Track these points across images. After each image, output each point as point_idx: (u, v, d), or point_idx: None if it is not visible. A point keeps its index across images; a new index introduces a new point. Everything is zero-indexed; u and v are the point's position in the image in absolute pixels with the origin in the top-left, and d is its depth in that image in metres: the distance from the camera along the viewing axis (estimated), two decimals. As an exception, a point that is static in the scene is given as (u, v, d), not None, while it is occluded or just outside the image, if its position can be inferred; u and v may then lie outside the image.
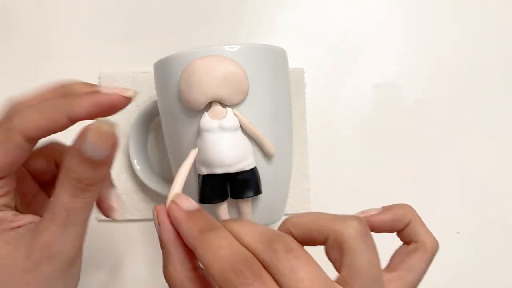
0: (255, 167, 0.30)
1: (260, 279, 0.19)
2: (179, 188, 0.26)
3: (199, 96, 0.29)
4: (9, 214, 0.24)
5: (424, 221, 0.41)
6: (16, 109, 0.24)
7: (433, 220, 0.41)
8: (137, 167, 0.39)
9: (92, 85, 0.25)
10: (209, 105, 0.30)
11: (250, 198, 0.30)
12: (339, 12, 0.44)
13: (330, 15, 0.44)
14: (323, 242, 0.23)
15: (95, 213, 0.39)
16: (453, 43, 0.45)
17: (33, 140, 0.24)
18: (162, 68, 0.32)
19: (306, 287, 0.19)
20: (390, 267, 0.26)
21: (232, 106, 0.30)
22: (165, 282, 0.40)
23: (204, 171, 0.29)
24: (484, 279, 0.42)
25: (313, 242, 0.23)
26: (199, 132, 0.30)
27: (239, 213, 0.31)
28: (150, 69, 0.41)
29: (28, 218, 0.24)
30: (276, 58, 0.32)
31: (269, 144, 0.30)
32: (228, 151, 0.29)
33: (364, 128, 0.43)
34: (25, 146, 0.24)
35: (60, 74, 0.42)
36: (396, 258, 0.27)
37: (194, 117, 0.30)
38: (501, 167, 0.43)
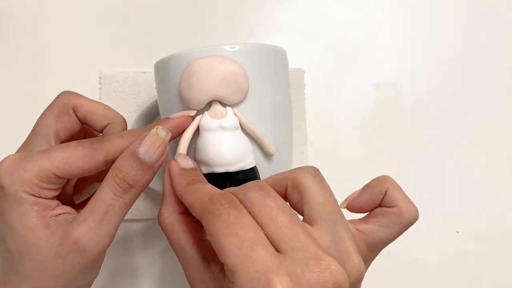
0: (255, 166, 0.30)
1: (235, 207, 0.22)
2: (183, 150, 0.29)
3: (199, 96, 0.29)
4: (54, 203, 0.27)
5: (424, 221, 0.41)
6: (105, 136, 0.28)
7: (433, 220, 0.41)
8: None
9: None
10: (209, 105, 0.29)
11: None
12: (339, 12, 0.44)
13: (330, 15, 0.44)
14: (284, 191, 0.25)
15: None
16: (453, 43, 0.45)
17: (111, 162, 0.27)
18: (163, 68, 0.32)
19: (274, 213, 0.22)
20: (364, 219, 0.28)
21: (232, 105, 0.30)
22: (165, 281, 0.40)
23: (204, 170, 0.29)
24: (484, 278, 0.42)
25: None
26: (199, 132, 0.30)
27: None
28: (151, 69, 0.41)
29: (67, 209, 0.27)
30: (276, 58, 0.32)
31: (269, 143, 0.30)
32: (228, 150, 0.29)
33: (364, 128, 0.43)
34: (102, 166, 0.27)
35: (60, 74, 0.42)
36: (372, 214, 0.28)
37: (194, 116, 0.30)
38: (501, 167, 0.43)
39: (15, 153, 0.28)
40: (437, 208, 0.41)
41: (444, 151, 0.43)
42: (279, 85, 0.32)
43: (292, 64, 0.42)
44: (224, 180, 0.30)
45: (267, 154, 0.31)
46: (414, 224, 0.41)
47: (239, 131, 0.30)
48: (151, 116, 0.39)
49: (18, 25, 0.43)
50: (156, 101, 0.37)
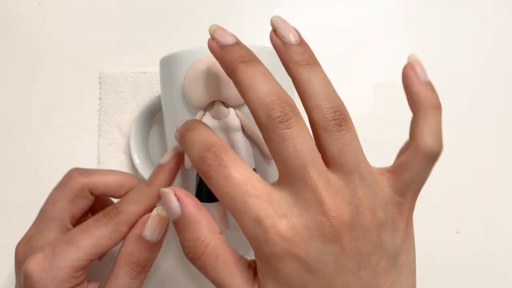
0: (254, 169, 0.30)
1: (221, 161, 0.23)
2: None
3: (203, 95, 0.29)
4: (85, 284, 0.29)
5: (424, 221, 0.41)
6: (120, 207, 0.29)
7: (433, 220, 0.41)
8: (137, 161, 0.38)
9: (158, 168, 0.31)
10: (212, 104, 0.29)
11: None
12: (339, 12, 0.44)
13: (330, 15, 0.44)
14: None
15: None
16: (454, 43, 0.45)
17: (133, 225, 0.29)
18: (168, 64, 0.32)
19: (291, 153, 0.22)
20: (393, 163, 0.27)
21: (235, 106, 0.30)
22: (161, 279, 0.40)
23: None
24: (484, 278, 0.42)
25: None
26: None
27: None
28: (151, 69, 0.41)
29: (94, 286, 0.29)
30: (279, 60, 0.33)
31: None
32: None
33: (364, 128, 0.43)
34: (126, 234, 0.28)
35: (60, 74, 0.42)
36: (398, 153, 0.27)
37: (196, 115, 0.30)
38: (502, 167, 0.43)
39: (37, 250, 0.28)
40: (437, 208, 0.42)
41: (443, 151, 0.43)
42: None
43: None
44: None
45: (266, 158, 0.31)
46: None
47: (240, 133, 0.29)
48: (154, 111, 0.39)
49: (18, 25, 0.43)
50: (159, 96, 0.37)
